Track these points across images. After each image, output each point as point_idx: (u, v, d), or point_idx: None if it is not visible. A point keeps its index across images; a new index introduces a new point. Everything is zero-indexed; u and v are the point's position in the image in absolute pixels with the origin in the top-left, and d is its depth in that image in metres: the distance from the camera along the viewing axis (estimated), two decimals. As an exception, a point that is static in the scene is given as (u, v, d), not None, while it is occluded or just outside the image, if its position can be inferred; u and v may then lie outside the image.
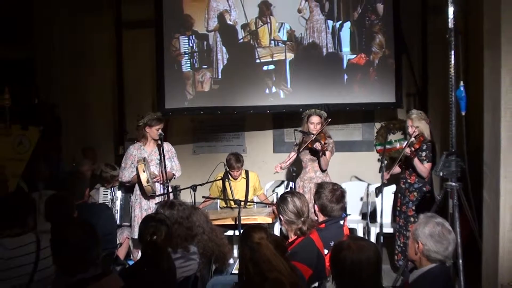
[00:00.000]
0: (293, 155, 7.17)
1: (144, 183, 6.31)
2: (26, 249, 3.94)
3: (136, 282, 3.82)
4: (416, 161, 6.37)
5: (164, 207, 4.79)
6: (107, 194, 7.31)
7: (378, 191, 6.66)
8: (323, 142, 6.76)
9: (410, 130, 6.48)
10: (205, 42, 9.23)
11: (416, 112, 6.63)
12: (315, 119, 6.99)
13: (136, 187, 6.63)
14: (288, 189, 7.21)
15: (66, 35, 10.00)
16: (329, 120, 7.03)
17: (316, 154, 6.97)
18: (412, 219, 6.38)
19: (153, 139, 6.61)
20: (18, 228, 4.06)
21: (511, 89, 4.91)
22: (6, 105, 7.96)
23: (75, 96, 10.17)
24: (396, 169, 6.75)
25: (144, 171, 6.29)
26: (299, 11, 8.90)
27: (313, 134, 6.93)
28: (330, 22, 8.85)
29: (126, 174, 6.63)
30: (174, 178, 6.74)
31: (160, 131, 6.56)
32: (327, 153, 6.92)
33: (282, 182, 8.06)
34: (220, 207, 7.84)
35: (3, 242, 3.98)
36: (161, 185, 6.48)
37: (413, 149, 6.31)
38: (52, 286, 3.53)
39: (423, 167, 6.39)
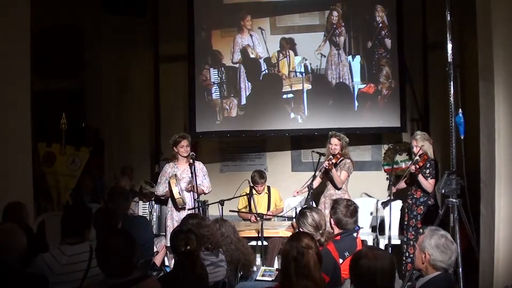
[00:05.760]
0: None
1: (176, 195, 6.40)
2: (80, 257, 3.94)
3: (173, 286, 3.85)
4: (420, 177, 6.33)
5: (188, 220, 4.84)
6: (146, 208, 7.40)
7: (385, 205, 6.62)
8: (331, 161, 6.72)
9: (415, 149, 6.45)
10: (232, 73, 9.32)
11: (420, 133, 6.62)
12: (333, 140, 6.89)
13: (169, 200, 6.70)
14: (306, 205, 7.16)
15: (111, 68, 10.24)
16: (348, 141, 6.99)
17: (328, 173, 6.92)
18: (421, 230, 6.21)
19: (183, 157, 6.67)
20: (78, 237, 4.06)
21: (503, 115, 4.93)
22: (63, 129, 8.19)
23: (117, 121, 10.39)
24: (402, 185, 6.71)
25: (176, 185, 6.40)
26: (319, 47, 8.96)
27: (322, 154, 6.90)
28: (343, 56, 8.90)
29: (161, 189, 6.72)
30: (204, 194, 6.77)
31: (188, 148, 6.62)
32: (343, 172, 6.84)
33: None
34: (243, 220, 7.82)
35: (62, 248, 4.00)
36: (192, 199, 6.52)
37: (417, 166, 6.29)
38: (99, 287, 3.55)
39: (427, 183, 6.35)
